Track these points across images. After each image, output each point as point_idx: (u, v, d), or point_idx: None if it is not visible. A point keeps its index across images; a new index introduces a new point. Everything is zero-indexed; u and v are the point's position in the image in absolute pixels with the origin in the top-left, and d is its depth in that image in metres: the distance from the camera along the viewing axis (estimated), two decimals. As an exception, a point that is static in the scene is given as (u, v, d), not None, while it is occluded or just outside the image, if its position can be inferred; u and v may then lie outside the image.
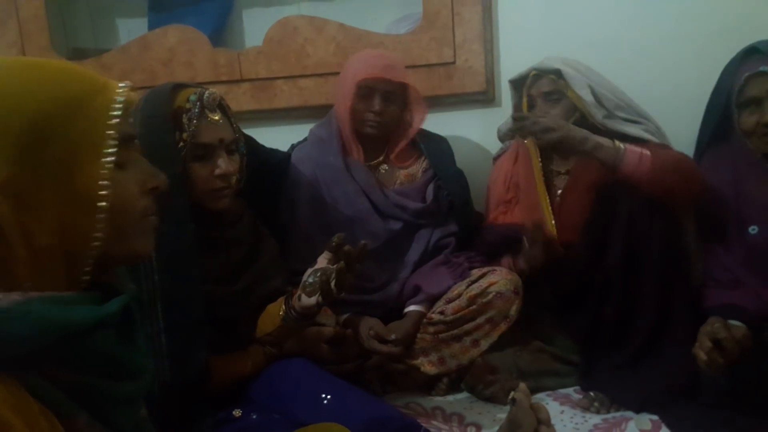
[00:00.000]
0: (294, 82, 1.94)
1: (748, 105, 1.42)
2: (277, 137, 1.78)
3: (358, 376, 1.50)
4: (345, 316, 1.56)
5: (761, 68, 1.39)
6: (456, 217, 1.74)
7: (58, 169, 0.60)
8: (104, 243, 0.63)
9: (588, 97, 1.57)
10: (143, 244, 0.70)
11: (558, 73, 1.61)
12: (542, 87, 1.63)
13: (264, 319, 1.27)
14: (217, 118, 1.23)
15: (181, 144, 1.19)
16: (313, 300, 1.17)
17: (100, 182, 0.61)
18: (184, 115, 1.20)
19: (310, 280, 1.15)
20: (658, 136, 1.62)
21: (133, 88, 0.67)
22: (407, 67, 1.84)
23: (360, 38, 1.91)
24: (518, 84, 1.73)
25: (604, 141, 1.44)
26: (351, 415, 1.12)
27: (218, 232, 1.29)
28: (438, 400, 1.52)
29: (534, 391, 1.51)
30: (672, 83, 1.86)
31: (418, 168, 1.73)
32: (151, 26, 2.08)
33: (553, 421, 1.31)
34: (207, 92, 1.22)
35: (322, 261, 1.19)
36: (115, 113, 0.63)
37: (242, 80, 1.95)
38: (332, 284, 1.13)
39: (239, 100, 1.95)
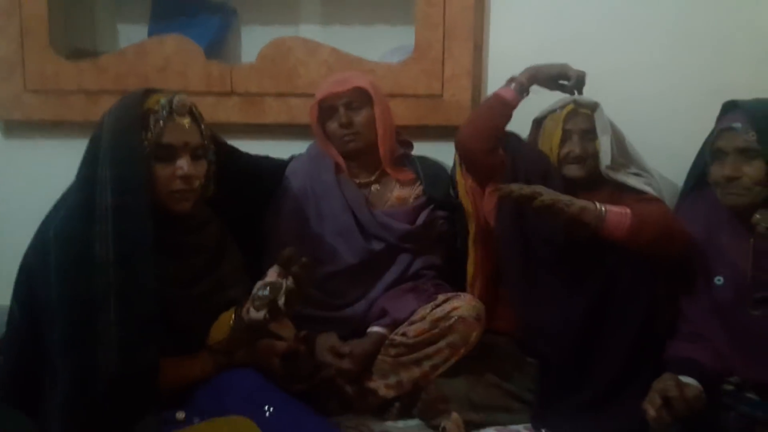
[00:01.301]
0: (283, 99, 1.98)
1: (718, 157, 1.46)
2: (262, 151, 1.80)
3: (314, 394, 1.51)
4: (303, 332, 1.56)
5: (732, 124, 1.43)
6: (442, 248, 1.76)
7: None
8: None
9: (606, 143, 1.61)
10: None
11: (594, 108, 1.64)
12: (581, 123, 1.65)
13: (216, 327, 1.27)
14: (185, 122, 1.26)
15: (146, 144, 1.22)
16: (260, 315, 1.18)
17: None
18: (152, 116, 1.23)
19: (260, 293, 1.17)
20: (656, 190, 1.66)
21: None
22: (395, 95, 1.90)
23: (351, 64, 1.96)
24: (539, 120, 1.74)
25: (588, 204, 1.46)
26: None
27: (181, 235, 1.31)
28: (389, 424, 1.52)
29: (484, 425, 1.51)
30: (667, 134, 1.91)
31: (411, 192, 1.76)
32: (151, 33, 2.13)
33: None
34: (177, 97, 1.26)
35: (272, 274, 1.20)
36: None
37: (233, 93, 1.99)
38: (280, 302, 1.14)
39: (228, 112, 2.00)
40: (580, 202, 1.45)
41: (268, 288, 1.16)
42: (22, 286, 1.23)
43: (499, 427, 1.51)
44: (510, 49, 1.96)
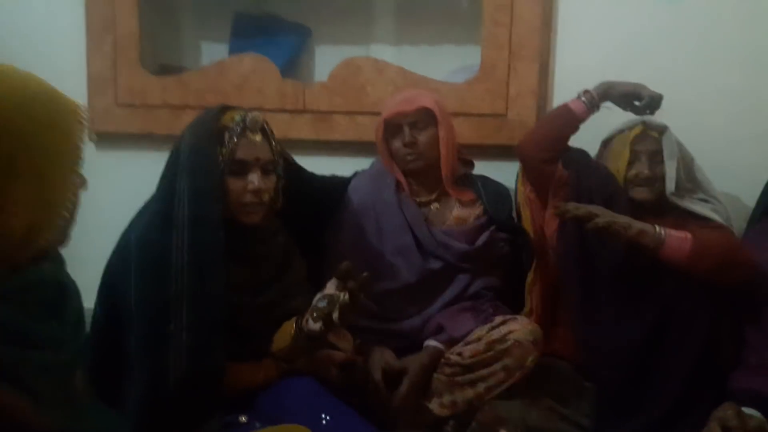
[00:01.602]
0: (352, 117, 2.05)
1: None
2: (331, 167, 1.86)
3: (371, 407, 1.54)
4: (358, 342, 1.60)
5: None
6: (502, 270, 1.77)
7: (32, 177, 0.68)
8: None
9: (672, 169, 1.59)
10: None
11: (663, 131, 1.63)
12: (650, 145, 1.63)
13: (279, 336, 1.34)
14: (257, 138, 1.34)
15: (221, 158, 1.30)
16: (317, 326, 1.23)
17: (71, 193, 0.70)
18: (226, 133, 1.32)
19: (319, 305, 1.22)
20: (724, 217, 1.62)
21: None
22: (459, 114, 1.93)
23: (417, 83, 2.00)
24: (607, 141, 1.72)
25: (647, 227, 1.45)
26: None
27: (250, 246, 1.39)
28: (442, 440, 1.54)
29: (538, 448, 1.51)
30: (738, 157, 1.86)
31: (471, 213, 1.77)
32: (232, 51, 2.24)
33: None
34: (251, 114, 1.34)
35: (331, 286, 1.25)
36: (81, 134, 0.72)
37: (305, 111, 2.08)
38: (335, 316, 1.20)
39: (300, 129, 2.08)
40: (638, 225, 1.43)
41: (326, 300, 1.21)
42: (105, 289, 1.33)
43: (552, 451, 1.50)
44: (576, 68, 1.95)
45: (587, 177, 1.64)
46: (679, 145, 1.65)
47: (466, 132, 1.97)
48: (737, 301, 1.49)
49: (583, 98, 1.68)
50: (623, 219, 1.44)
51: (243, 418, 1.27)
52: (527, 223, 1.79)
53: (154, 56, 2.26)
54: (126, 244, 1.28)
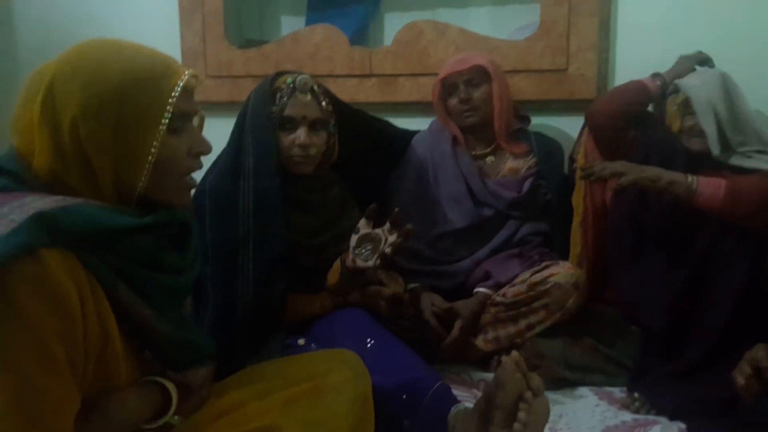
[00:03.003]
0: (415, 79, 2.16)
1: None
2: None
3: (424, 342, 1.67)
4: (411, 285, 1.74)
5: None
6: (550, 218, 1.84)
7: (124, 127, 0.84)
8: (147, 188, 0.87)
9: (711, 129, 1.56)
10: (178, 197, 0.93)
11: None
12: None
13: (332, 273, 1.50)
14: (306, 98, 1.50)
15: (273, 116, 1.47)
16: (370, 263, 1.37)
17: (153, 143, 0.85)
18: (278, 94, 1.49)
19: (363, 252, 1.36)
20: None
21: (194, 75, 0.90)
22: (519, 71, 1.99)
23: (477, 42, 2.07)
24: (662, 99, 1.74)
25: (677, 177, 1.47)
26: (386, 362, 1.32)
27: (307, 194, 1.56)
28: (487, 375, 1.65)
29: (578, 384, 1.58)
30: None
31: (524, 164, 1.86)
32: (308, 23, 2.41)
33: (582, 413, 1.42)
34: (300, 77, 1.49)
35: (364, 225, 1.39)
36: (175, 93, 0.86)
37: (372, 75, 2.21)
38: (388, 250, 1.33)
39: (368, 92, 2.22)
40: (668, 176, 1.45)
41: (369, 245, 1.35)
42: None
43: (593, 388, 1.56)
44: (638, 21, 1.94)
45: (647, 138, 1.67)
46: (726, 90, 1.59)
47: (527, 88, 2.03)
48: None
49: (658, 81, 1.71)
50: (652, 172, 1.46)
51: (301, 341, 1.45)
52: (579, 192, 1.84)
53: (240, 31, 2.48)
54: (201, 189, 1.49)
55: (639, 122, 1.72)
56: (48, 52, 0.91)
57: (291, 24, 2.51)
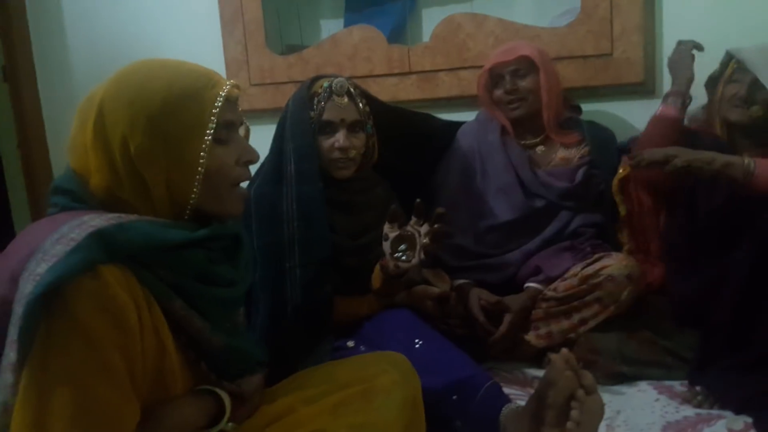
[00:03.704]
0: (455, 73, 2.13)
1: None
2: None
3: (475, 340, 1.65)
4: (458, 282, 1.72)
5: None
6: (604, 208, 1.78)
7: (173, 141, 0.86)
8: (199, 199, 0.89)
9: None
10: (232, 207, 0.95)
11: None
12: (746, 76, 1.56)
13: (374, 278, 1.49)
14: (344, 101, 1.50)
15: (311, 121, 1.48)
16: (414, 261, 1.34)
17: (201, 153, 0.87)
18: (316, 98, 1.50)
19: (401, 255, 1.32)
20: None
21: (236, 85, 0.92)
22: (562, 58, 1.94)
23: (517, 32, 2.03)
24: (715, 81, 1.66)
25: (733, 159, 1.41)
26: (435, 363, 1.31)
27: (350, 196, 1.57)
28: (540, 372, 1.61)
29: (636, 378, 1.53)
30: None
31: (576, 153, 1.81)
32: (347, 24, 2.41)
33: (641, 408, 1.38)
34: (336, 80, 1.50)
35: (390, 230, 1.33)
36: (218, 103, 0.88)
37: (411, 73, 2.19)
38: (427, 239, 1.29)
39: (407, 90, 2.21)
40: (723, 158, 1.39)
41: (405, 244, 1.32)
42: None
43: (652, 382, 1.51)
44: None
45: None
46: None
47: (571, 75, 1.97)
48: None
49: (670, 100, 1.65)
50: (705, 155, 1.40)
51: (350, 343, 1.45)
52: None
53: (280, 38, 2.51)
54: (247, 197, 1.51)
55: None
56: (100, 75, 0.95)
57: (330, 27, 2.51)
